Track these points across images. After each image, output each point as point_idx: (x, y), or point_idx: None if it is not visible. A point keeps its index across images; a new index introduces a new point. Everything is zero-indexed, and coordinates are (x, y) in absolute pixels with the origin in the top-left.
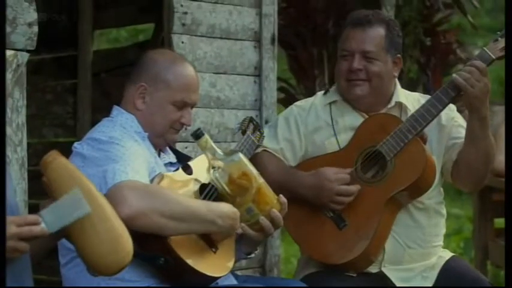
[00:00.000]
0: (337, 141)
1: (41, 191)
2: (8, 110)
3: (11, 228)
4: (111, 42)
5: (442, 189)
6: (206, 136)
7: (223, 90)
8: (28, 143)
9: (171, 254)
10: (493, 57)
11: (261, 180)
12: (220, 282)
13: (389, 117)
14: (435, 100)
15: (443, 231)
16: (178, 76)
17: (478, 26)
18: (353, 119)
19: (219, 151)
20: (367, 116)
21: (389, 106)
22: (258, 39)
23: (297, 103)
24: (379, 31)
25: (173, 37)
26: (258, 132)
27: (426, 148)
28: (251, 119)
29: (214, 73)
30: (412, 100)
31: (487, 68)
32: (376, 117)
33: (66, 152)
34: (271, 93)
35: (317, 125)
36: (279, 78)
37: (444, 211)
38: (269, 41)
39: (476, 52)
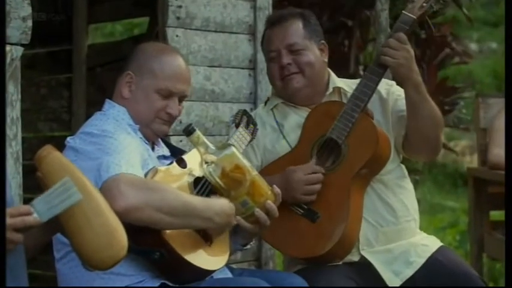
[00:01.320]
0: (288, 143)
1: (35, 186)
2: None
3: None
4: (106, 36)
5: (402, 165)
6: (198, 132)
7: (218, 84)
8: (23, 138)
9: (166, 248)
10: (414, 17)
11: (255, 172)
12: (216, 276)
13: (331, 103)
14: (370, 73)
15: (415, 206)
16: (164, 65)
17: (472, 19)
18: (297, 118)
19: (211, 146)
20: (309, 111)
21: (327, 93)
22: (252, 32)
23: None
24: (297, 24)
25: (168, 31)
26: (252, 125)
27: (375, 122)
28: (244, 112)
29: (208, 66)
30: (350, 84)
31: (407, 33)
32: (319, 108)
33: (62, 146)
34: (266, 87)
35: (265, 132)
36: None
37: (409, 186)
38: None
39: (473, 45)
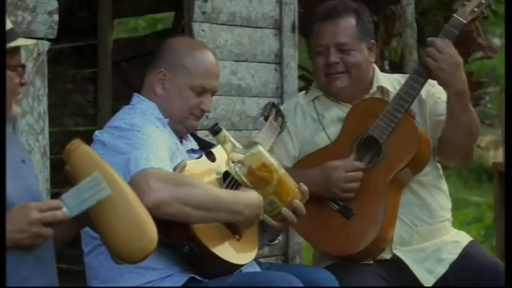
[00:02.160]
0: (327, 135)
1: (62, 180)
2: (30, 99)
3: (34, 214)
4: (129, 31)
5: (438, 164)
6: (224, 131)
7: (244, 78)
8: (49, 132)
9: (195, 242)
10: (464, 21)
11: (282, 171)
12: (244, 270)
13: (374, 100)
14: (416, 75)
15: (449, 206)
16: (197, 62)
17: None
18: (338, 111)
19: (237, 144)
20: (351, 106)
21: (371, 91)
22: (278, 26)
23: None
24: (350, 21)
25: (194, 25)
26: (280, 118)
27: (417, 123)
28: (273, 105)
29: (235, 61)
30: (392, 81)
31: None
32: (362, 104)
33: (87, 140)
34: (292, 81)
35: (305, 122)
36: (299, 66)
37: (444, 186)
38: (289, 28)
39: (496, 39)
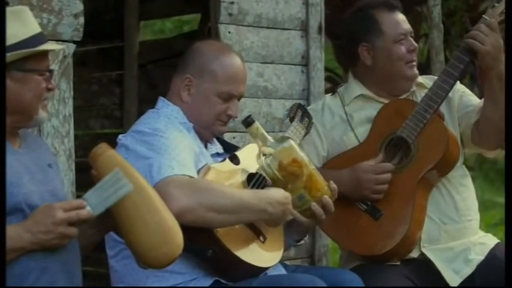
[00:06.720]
0: (355, 136)
1: (87, 183)
2: (55, 102)
3: (59, 214)
4: (155, 33)
5: (464, 165)
6: (257, 123)
7: (271, 80)
8: (75, 135)
9: (219, 246)
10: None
11: (312, 166)
12: (270, 273)
13: (403, 101)
14: (445, 75)
15: (476, 206)
16: (224, 67)
17: None
18: (367, 112)
19: (269, 138)
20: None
21: (412, 90)
22: (304, 28)
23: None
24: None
25: (220, 27)
26: (307, 119)
27: (445, 124)
28: (299, 106)
29: (261, 63)
30: (425, 79)
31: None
32: (391, 105)
33: (113, 143)
34: (318, 83)
35: (333, 122)
36: (325, 68)
37: (471, 184)
38: (316, 30)
39: None
